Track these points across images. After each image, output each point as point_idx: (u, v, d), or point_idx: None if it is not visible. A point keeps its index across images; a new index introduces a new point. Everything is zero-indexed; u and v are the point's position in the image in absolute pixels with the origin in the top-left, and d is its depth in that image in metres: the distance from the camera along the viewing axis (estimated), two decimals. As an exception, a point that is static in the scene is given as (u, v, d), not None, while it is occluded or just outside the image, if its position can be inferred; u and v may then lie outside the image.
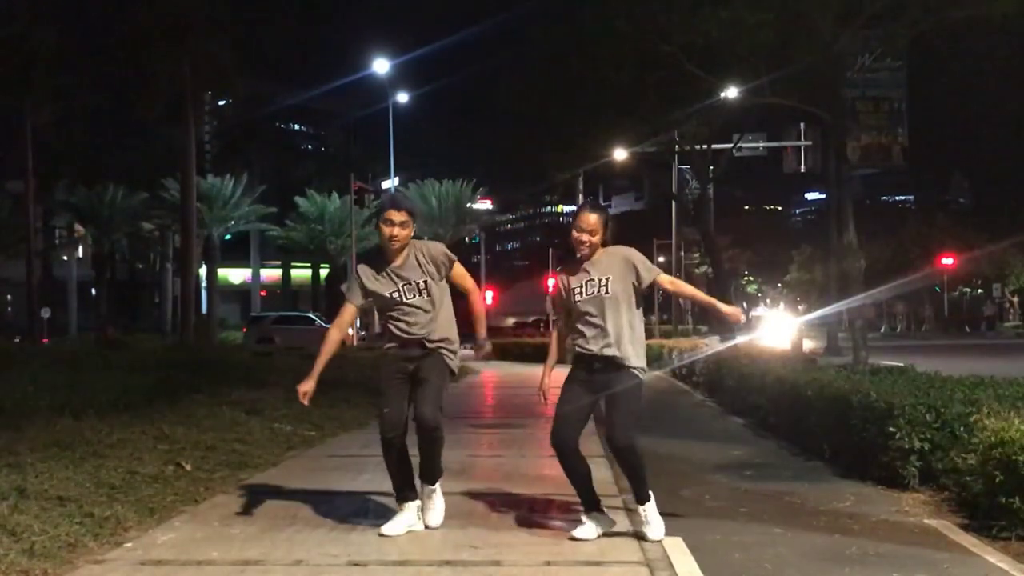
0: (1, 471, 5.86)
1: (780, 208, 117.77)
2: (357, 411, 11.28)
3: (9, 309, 50.57)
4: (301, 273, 63.48)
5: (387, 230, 5.10)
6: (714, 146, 29.59)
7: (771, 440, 9.15)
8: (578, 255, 5.04)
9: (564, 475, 5.18)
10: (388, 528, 5.10)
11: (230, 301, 59.46)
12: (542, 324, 44.72)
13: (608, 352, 4.92)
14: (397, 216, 5.10)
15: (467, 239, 58.53)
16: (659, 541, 4.88)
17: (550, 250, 49.64)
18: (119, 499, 5.62)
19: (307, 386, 5.11)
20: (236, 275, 63.91)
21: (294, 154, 65.90)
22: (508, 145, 32.91)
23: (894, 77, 20.91)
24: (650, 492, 5.02)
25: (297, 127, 74.65)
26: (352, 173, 39.33)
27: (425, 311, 5.15)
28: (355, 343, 35.02)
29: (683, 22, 20.10)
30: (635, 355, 4.99)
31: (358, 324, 39.31)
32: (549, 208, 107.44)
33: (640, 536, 4.96)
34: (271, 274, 65.57)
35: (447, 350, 5.21)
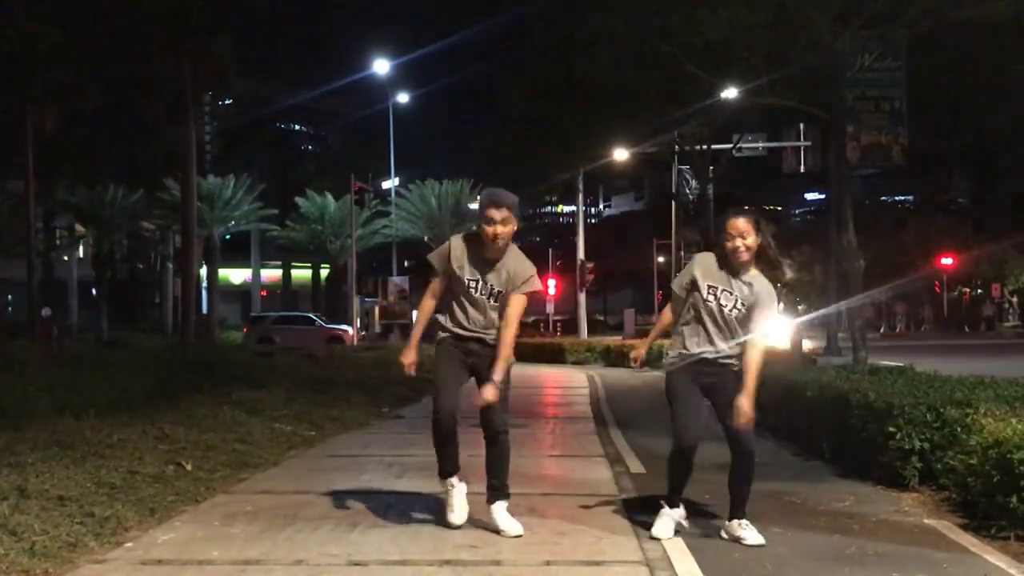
0: (2, 471, 5.86)
1: (780, 208, 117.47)
2: (357, 411, 11.28)
3: (9, 309, 50.55)
4: (301, 273, 63.49)
5: (489, 229, 5.01)
6: (714, 146, 29.59)
7: (770, 440, 9.13)
8: (735, 263, 4.97)
9: (574, 475, 5.18)
10: (455, 517, 5.20)
11: (230, 301, 59.47)
12: (541, 324, 44.74)
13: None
14: (497, 214, 5.01)
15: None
16: (759, 545, 4.90)
17: (550, 250, 49.63)
18: (120, 499, 5.63)
19: (410, 357, 5.24)
20: (236, 275, 63.92)
21: (294, 154, 65.89)
22: (508, 145, 32.94)
23: (894, 77, 20.91)
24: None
25: (297, 127, 74.68)
26: (352, 173, 39.40)
27: (485, 314, 5.15)
28: (355, 342, 35.07)
29: (682, 22, 20.12)
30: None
31: (358, 324, 39.31)
32: (549, 208, 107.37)
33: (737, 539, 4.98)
34: (271, 274, 65.60)
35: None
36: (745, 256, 4.93)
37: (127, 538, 5.02)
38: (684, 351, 5.04)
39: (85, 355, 17.38)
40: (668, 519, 5.09)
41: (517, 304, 5.12)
